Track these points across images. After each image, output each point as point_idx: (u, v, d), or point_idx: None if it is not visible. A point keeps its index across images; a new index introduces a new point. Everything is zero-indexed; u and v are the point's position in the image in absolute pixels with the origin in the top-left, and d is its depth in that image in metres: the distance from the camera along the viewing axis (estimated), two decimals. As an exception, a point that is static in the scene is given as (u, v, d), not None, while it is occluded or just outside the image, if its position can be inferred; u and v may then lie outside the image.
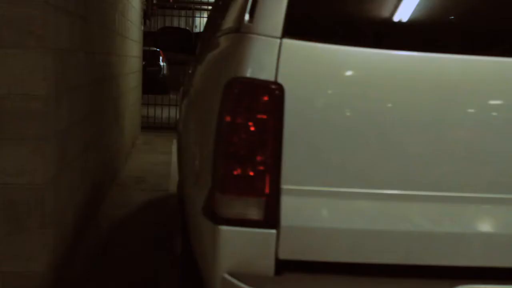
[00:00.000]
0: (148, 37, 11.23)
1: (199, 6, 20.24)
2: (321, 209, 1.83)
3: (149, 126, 11.07)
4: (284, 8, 1.81)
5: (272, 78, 1.77)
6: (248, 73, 1.79)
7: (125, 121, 7.55)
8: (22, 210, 3.22)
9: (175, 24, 17.21)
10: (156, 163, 7.88)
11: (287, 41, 1.80)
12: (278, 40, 1.80)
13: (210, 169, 1.88)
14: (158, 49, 19.01)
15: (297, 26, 1.81)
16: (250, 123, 1.78)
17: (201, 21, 22.23)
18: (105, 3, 5.39)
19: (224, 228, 1.80)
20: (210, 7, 20.79)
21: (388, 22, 1.89)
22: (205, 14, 21.85)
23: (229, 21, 2.38)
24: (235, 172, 1.80)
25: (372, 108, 1.82)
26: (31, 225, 3.24)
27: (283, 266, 1.83)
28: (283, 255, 1.82)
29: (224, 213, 1.81)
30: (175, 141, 9.83)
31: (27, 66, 3.13)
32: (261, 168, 1.79)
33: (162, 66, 20.28)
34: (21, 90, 3.14)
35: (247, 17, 1.87)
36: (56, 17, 3.35)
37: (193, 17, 21.94)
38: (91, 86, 4.62)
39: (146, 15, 10.90)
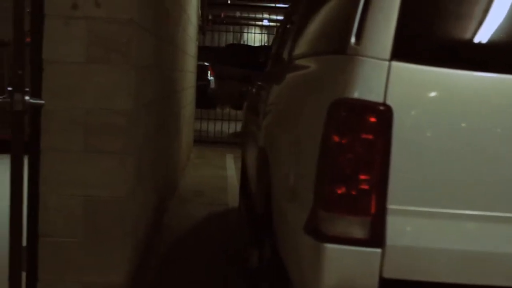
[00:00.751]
0: (202, 52, 11.39)
1: (248, 22, 20.39)
2: (427, 229, 1.84)
3: (201, 140, 11.18)
4: (393, 31, 1.85)
5: (380, 100, 1.81)
6: (356, 94, 1.82)
7: (183, 135, 7.66)
8: (103, 222, 3.29)
9: (224, 39, 17.37)
10: (211, 176, 7.96)
11: (396, 64, 1.84)
12: (387, 63, 1.84)
13: (311, 187, 1.91)
14: (207, 64, 19.22)
15: (405, 49, 1.84)
16: (358, 144, 1.82)
17: (248, 37, 22.40)
18: (171, 19, 5.51)
19: (328, 246, 1.83)
20: (259, 23, 20.94)
21: (503, 45, 1.91)
22: (254, 30, 22.01)
23: (322, 41, 2.42)
24: (339, 191, 1.83)
25: (480, 130, 1.83)
26: (112, 237, 3.32)
27: (387, 285, 1.85)
28: (387, 274, 1.84)
29: (328, 231, 1.84)
30: (228, 156, 9.92)
31: (112, 82, 3.22)
32: (368, 188, 1.82)
33: (210, 81, 20.48)
34: (106, 105, 3.22)
35: (353, 39, 1.91)
36: (138, 34, 3.45)
37: (241, 32, 22.12)
38: (160, 101, 4.72)
39: (201, 30, 11.06)
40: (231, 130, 13.29)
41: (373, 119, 1.81)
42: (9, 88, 2.41)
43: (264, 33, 21.75)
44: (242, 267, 4.25)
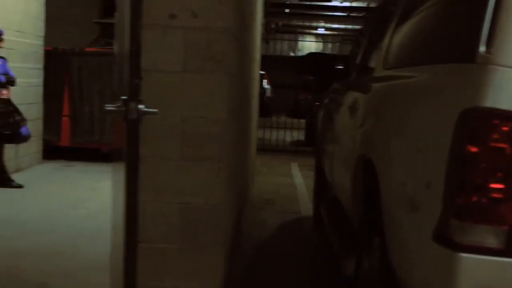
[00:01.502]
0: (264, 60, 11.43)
1: (303, 31, 20.38)
2: None
3: (263, 148, 11.20)
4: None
5: (513, 109, 1.77)
6: (489, 103, 1.79)
7: (252, 143, 7.68)
8: (198, 229, 3.32)
9: (279, 47, 17.42)
10: (279, 184, 7.96)
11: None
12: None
13: (438, 195, 1.88)
14: (262, 72, 19.29)
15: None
16: (492, 152, 1.78)
17: (303, 45, 22.37)
18: (246, 26, 5.54)
19: (463, 255, 1.80)
20: (314, 31, 20.90)
21: None
22: (309, 38, 21.98)
23: (435, 49, 2.39)
24: (474, 200, 1.79)
25: None
26: (206, 244, 3.34)
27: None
28: (525, 286, 1.80)
29: (462, 240, 1.81)
30: (293, 164, 9.91)
31: (207, 90, 3.25)
32: (503, 196, 1.78)
33: (266, 89, 20.54)
34: (202, 113, 3.25)
35: (483, 47, 1.87)
36: (231, 43, 3.47)
37: (296, 40, 22.12)
38: (240, 109, 4.74)
39: (265, 39, 11.10)
40: (290, 139, 13.28)
41: (506, 128, 1.78)
42: (123, 97, 2.44)
43: (319, 41, 21.72)
44: (335, 276, 4.23)
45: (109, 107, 2.53)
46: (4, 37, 6.67)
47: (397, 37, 3.14)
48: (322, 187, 5.36)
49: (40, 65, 8.18)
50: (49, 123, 8.51)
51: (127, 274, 2.56)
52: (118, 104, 2.46)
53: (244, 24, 4.68)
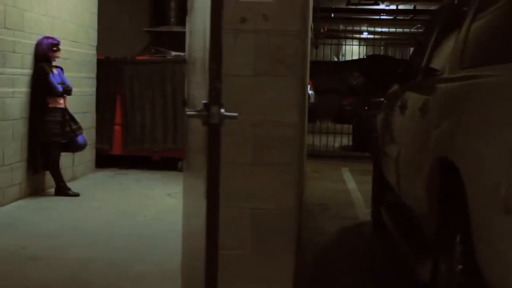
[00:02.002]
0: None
1: (346, 35, 20.25)
2: None
3: (313, 153, 11.12)
4: None
5: None
6: None
7: (305, 148, 7.62)
8: (269, 234, 3.28)
9: (323, 52, 17.31)
10: (332, 190, 7.89)
11: None
12: None
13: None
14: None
15: None
16: None
17: (345, 49, 22.24)
18: (306, 31, 5.50)
19: None
20: (358, 35, 20.77)
21: None
22: (353, 42, 21.84)
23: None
24: None
25: None
26: (277, 250, 3.30)
27: None
28: None
29: None
30: (344, 169, 9.81)
31: (278, 94, 3.22)
32: None
33: (310, 95, 20.44)
34: (273, 117, 3.22)
35: None
36: (300, 46, 3.43)
37: (339, 44, 22.00)
38: (302, 112, 4.70)
39: (314, 43, 11.06)
40: (338, 144, 13.19)
41: None
42: (204, 101, 2.42)
43: (363, 45, 21.58)
44: (403, 280, 4.15)
45: (190, 112, 2.50)
46: (60, 47, 6.76)
47: (474, 36, 3.06)
48: (382, 192, 5.28)
49: (93, 74, 8.27)
50: (101, 132, 8.59)
51: (208, 280, 2.52)
52: (199, 109, 2.44)
53: (306, 28, 4.64)
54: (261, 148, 3.22)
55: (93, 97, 8.31)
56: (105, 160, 8.69)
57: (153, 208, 6.36)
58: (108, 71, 8.62)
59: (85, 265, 4.45)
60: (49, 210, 6.17)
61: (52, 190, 7.01)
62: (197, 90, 2.88)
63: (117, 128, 8.72)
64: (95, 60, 8.31)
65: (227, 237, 3.26)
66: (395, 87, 5.13)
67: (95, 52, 8.32)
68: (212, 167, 2.45)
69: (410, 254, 3.62)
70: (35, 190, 6.81)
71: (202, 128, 2.62)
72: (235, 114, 2.50)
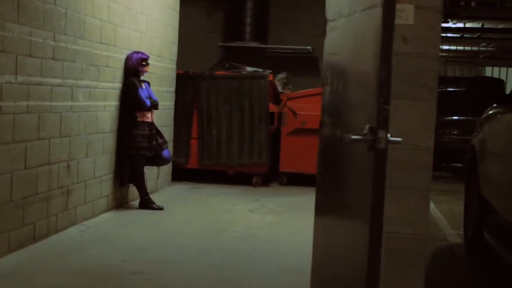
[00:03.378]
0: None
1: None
2: None
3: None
4: None
5: None
6: None
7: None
8: (403, 261, 3.23)
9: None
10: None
11: None
12: None
13: None
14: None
15: None
16: None
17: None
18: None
19: None
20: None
21: None
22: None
23: None
24: None
25: None
26: (409, 276, 3.25)
27: None
28: None
29: None
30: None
31: (417, 118, 3.18)
32: None
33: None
34: (411, 140, 3.18)
35: None
36: (438, 69, 3.39)
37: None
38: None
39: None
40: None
41: None
42: (369, 126, 2.40)
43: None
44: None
45: (355, 136, 2.48)
46: (148, 61, 6.84)
47: None
48: (482, 214, 5.19)
49: (172, 88, 8.35)
50: (178, 146, 8.66)
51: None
52: (364, 133, 2.42)
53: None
54: (399, 171, 3.18)
55: (172, 111, 8.39)
56: (180, 174, 8.75)
57: (239, 224, 6.35)
58: (186, 85, 8.70)
59: (191, 281, 4.46)
60: (137, 223, 6.22)
61: (134, 203, 7.08)
62: (345, 112, 2.85)
63: (193, 142, 8.77)
64: (174, 75, 8.40)
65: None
66: (496, 108, 5.05)
67: (175, 67, 8.41)
68: (377, 192, 2.43)
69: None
70: (119, 203, 6.88)
71: (356, 151, 2.61)
72: (399, 139, 2.48)
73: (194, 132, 8.77)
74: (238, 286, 4.40)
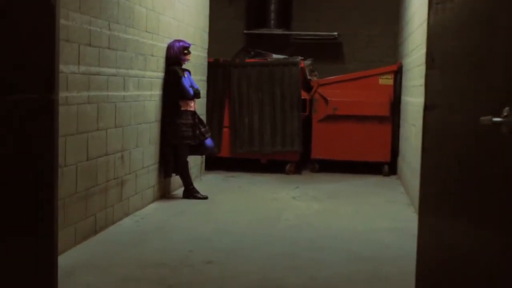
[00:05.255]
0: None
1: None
2: None
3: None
4: None
5: None
6: None
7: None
8: None
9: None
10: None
11: None
12: None
13: None
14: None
15: None
16: None
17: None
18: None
19: None
20: None
21: None
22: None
23: None
24: None
25: None
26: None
27: None
28: None
29: None
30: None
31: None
32: None
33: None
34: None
35: None
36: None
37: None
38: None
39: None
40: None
41: None
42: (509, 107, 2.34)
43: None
44: None
45: (496, 119, 2.41)
46: (190, 50, 6.77)
47: None
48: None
49: (204, 76, 8.28)
50: (211, 134, 8.59)
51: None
52: (505, 114, 2.36)
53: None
54: None
55: (204, 100, 8.32)
56: (212, 163, 8.70)
57: (289, 212, 6.32)
58: (216, 73, 8.62)
59: (265, 270, 4.43)
60: (187, 213, 6.17)
61: (177, 192, 7.03)
62: (467, 95, 2.77)
63: (226, 130, 8.71)
64: (206, 63, 8.32)
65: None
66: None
67: (206, 55, 8.33)
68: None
69: None
70: (163, 193, 6.83)
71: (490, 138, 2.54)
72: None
73: (226, 121, 8.71)
74: (317, 274, 4.37)
